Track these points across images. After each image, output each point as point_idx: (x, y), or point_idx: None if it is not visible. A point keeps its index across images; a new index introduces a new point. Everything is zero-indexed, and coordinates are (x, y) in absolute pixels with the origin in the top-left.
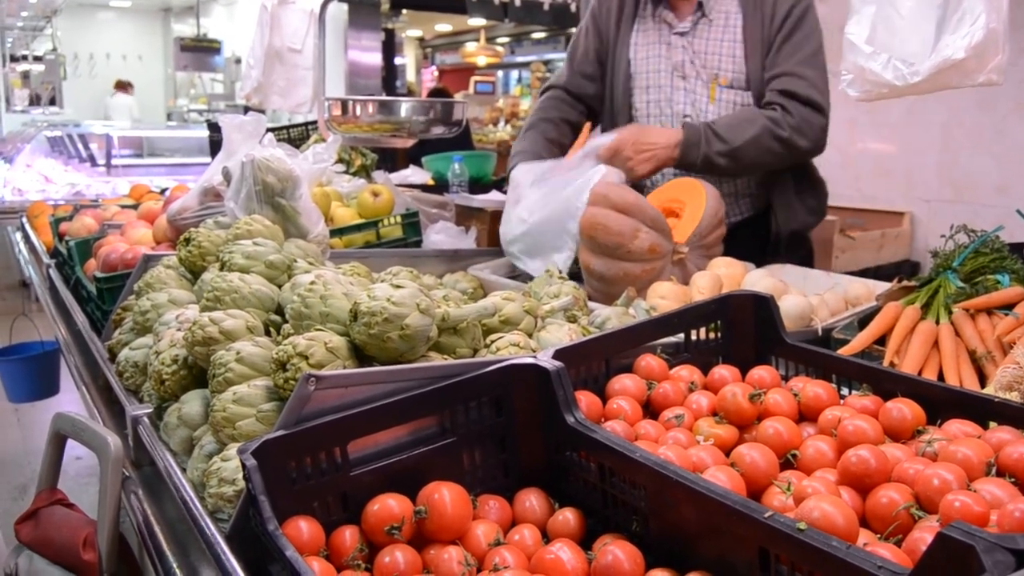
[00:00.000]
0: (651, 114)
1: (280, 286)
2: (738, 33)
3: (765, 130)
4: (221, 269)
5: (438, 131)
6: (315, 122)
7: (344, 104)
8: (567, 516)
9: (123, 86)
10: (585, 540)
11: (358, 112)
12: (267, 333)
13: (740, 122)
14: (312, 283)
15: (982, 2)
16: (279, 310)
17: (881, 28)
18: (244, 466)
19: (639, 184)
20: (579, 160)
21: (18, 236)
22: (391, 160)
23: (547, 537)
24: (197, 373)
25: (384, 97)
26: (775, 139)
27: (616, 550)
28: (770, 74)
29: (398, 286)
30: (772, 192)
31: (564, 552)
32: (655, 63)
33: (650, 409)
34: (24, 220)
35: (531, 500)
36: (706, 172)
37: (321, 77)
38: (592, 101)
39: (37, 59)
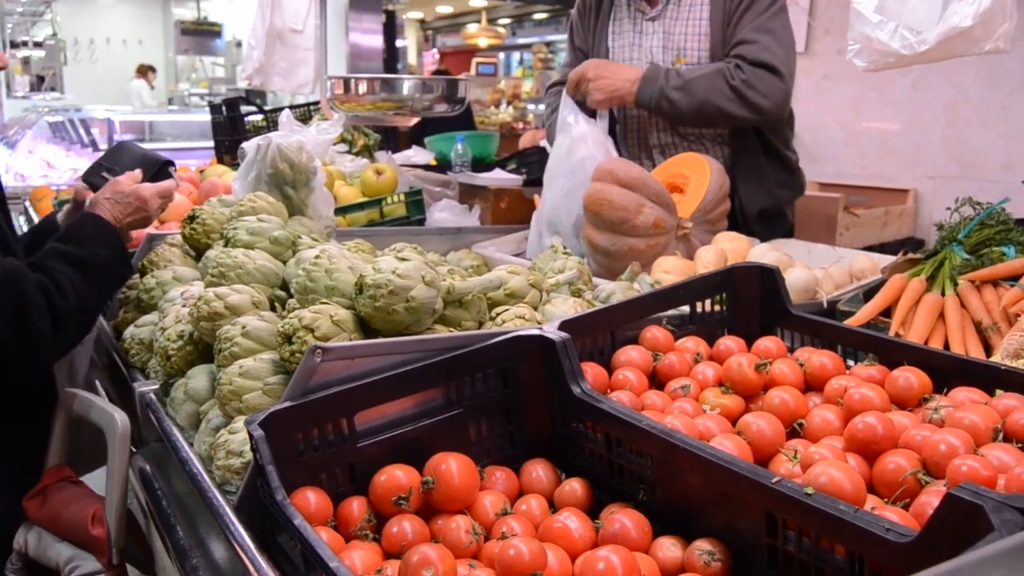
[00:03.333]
0: None
1: (284, 262)
2: (704, 11)
3: (718, 72)
4: (225, 246)
5: (440, 109)
6: (317, 103)
7: (347, 82)
8: (574, 486)
9: (144, 71)
10: (592, 510)
11: (360, 90)
12: (272, 308)
13: (700, 67)
14: (317, 257)
15: None
16: (284, 286)
17: None
18: (251, 437)
19: (643, 160)
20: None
21: (22, 220)
22: (393, 141)
23: (554, 507)
24: (203, 348)
25: (386, 75)
26: (726, 83)
27: (623, 518)
28: (728, 47)
29: (403, 259)
30: (736, 164)
31: (571, 520)
32: (630, 51)
33: (656, 380)
34: (27, 204)
35: (538, 471)
36: (660, 111)
37: (323, 57)
38: None
39: (37, 45)
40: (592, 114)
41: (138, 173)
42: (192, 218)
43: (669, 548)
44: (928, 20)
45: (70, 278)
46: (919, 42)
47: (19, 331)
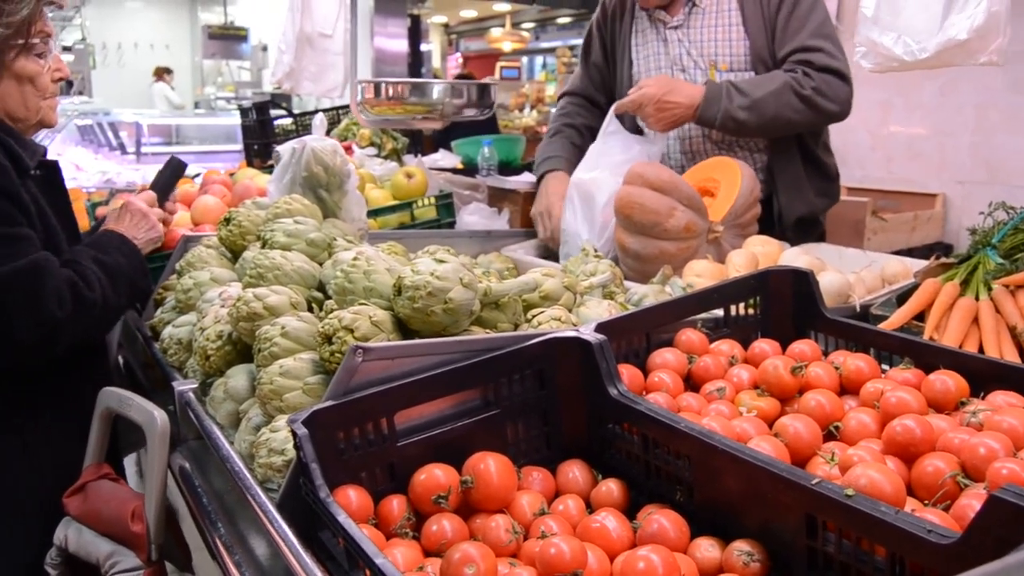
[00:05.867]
0: None
1: (320, 264)
2: (734, 16)
3: (786, 86)
4: (263, 247)
5: (470, 113)
6: (346, 106)
7: (377, 86)
8: (610, 487)
9: (160, 73)
10: (628, 511)
11: (390, 94)
12: (309, 309)
13: (761, 79)
14: (355, 259)
15: None
16: (320, 287)
17: (891, 5)
18: (295, 434)
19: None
20: (604, 138)
21: None
22: (418, 144)
23: (590, 508)
24: (241, 348)
25: (417, 79)
26: (796, 95)
27: (661, 518)
28: (783, 52)
29: (441, 261)
30: (777, 172)
31: (610, 520)
32: (655, 61)
33: (691, 383)
34: None
35: (574, 471)
36: (725, 129)
37: (352, 62)
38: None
39: (66, 49)
40: (639, 130)
41: (148, 194)
42: (228, 220)
43: (708, 549)
44: (927, 30)
45: (97, 275)
46: (920, 50)
47: (34, 316)
